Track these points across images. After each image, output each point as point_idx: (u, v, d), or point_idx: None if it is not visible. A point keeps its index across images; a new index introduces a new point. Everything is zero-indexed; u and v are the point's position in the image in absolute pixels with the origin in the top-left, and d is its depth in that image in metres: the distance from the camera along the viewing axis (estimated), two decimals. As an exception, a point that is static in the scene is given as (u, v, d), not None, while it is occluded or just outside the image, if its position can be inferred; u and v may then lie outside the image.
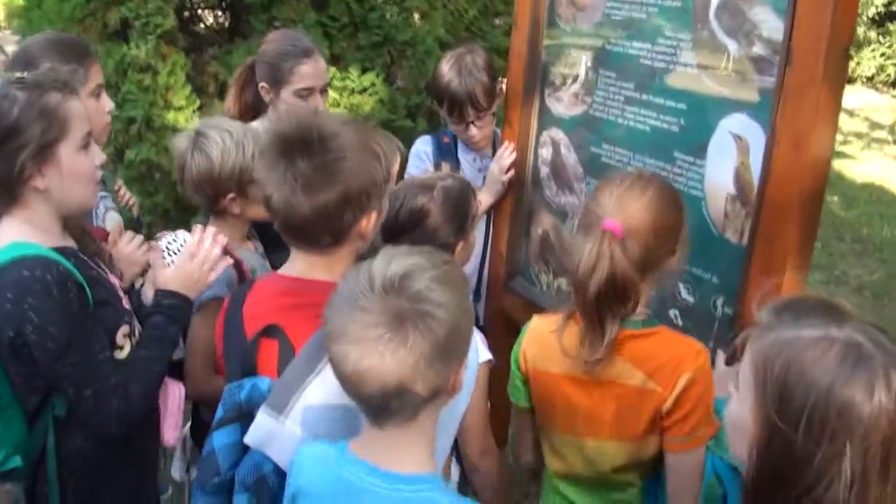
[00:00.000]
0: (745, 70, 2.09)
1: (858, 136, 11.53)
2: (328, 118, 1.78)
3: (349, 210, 1.71)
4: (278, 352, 1.72)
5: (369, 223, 1.77)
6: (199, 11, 5.38)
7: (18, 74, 1.93)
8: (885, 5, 16.09)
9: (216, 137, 2.43)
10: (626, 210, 1.77)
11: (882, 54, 16.24)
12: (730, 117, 2.13)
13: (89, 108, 2.24)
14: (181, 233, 2.29)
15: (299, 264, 1.81)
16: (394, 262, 1.41)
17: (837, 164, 9.56)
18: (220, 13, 5.35)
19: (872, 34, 16.26)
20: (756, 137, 2.04)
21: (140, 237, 2.37)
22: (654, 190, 1.83)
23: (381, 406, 1.37)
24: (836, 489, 1.17)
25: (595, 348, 1.79)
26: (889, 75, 16.24)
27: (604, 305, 1.76)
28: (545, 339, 1.93)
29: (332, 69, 4.72)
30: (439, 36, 5.38)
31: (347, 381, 1.37)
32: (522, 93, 2.85)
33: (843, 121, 12.18)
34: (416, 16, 5.28)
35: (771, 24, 2.00)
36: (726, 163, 2.14)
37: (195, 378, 2.35)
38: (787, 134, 1.91)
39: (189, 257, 2.12)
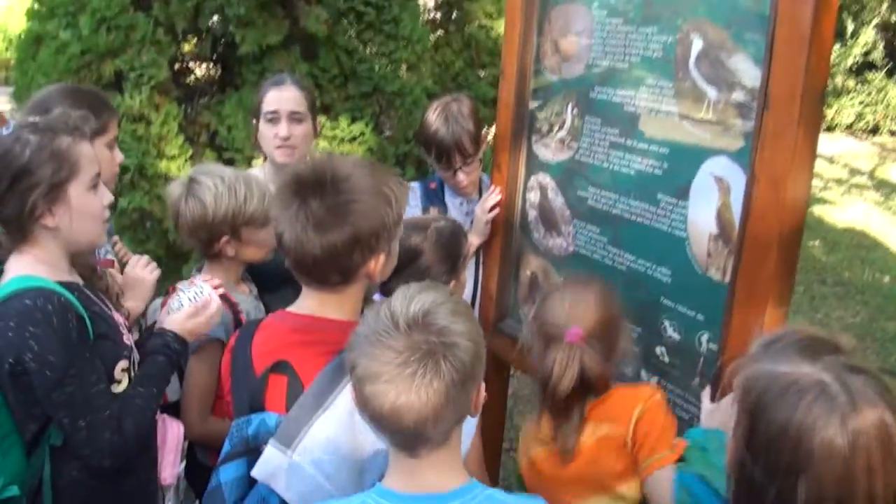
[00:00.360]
0: (725, 115, 2.18)
1: (839, 182, 11.73)
2: (342, 161, 1.85)
3: (358, 251, 1.77)
4: (287, 388, 1.77)
5: (377, 264, 1.83)
6: (191, 63, 5.47)
7: (31, 119, 2.02)
8: (862, 55, 16.40)
9: (209, 183, 2.51)
10: (579, 316, 1.99)
11: (860, 102, 16.52)
12: (711, 160, 2.22)
13: (103, 158, 2.34)
14: (198, 280, 2.35)
15: (310, 302, 1.87)
16: (413, 300, 1.48)
17: (818, 210, 9.72)
18: (211, 65, 5.45)
19: (851, 83, 16.55)
20: (737, 179, 2.13)
21: (146, 258, 2.48)
22: (595, 290, 2.09)
23: (416, 437, 1.43)
24: None
25: (567, 436, 2.02)
26: (868, 122, 16.50)
27: (573, 400, 1.98)
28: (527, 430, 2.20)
29: (323, 118, 4.81)
30: (427, 87, 5.50)
31: (384, 419, 1.42)
32: (511, 139, 2.94)
33: (824, 167, 12.40)
34: (404, 67, 5.39)
35: (749, 73, 2.10)
36: (709, 204, 2.23)
37: (192, 419, 2.40)
38: (766, 175, 1.99)
39: (197, 310, 2.20)
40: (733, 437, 1.34)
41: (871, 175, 12.32)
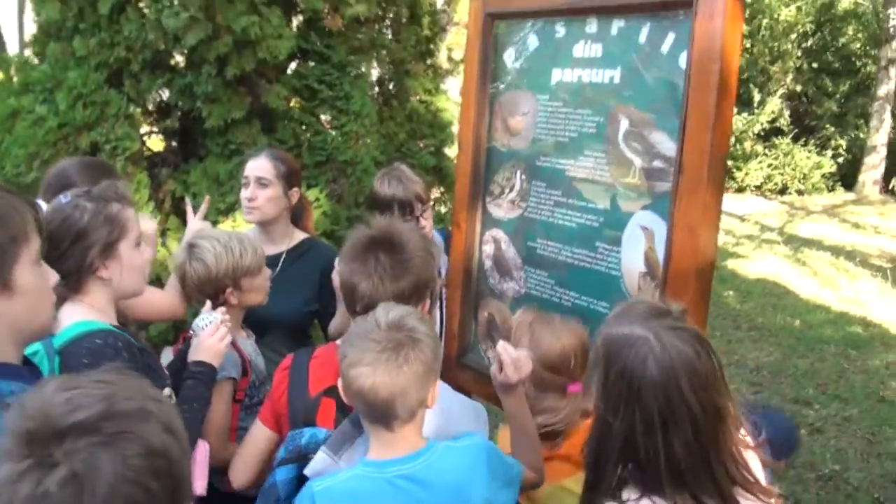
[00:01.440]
0: (648, 178, 2.72)
1: (750, 238, 12.50)
2: (402, 226, 2.40)
3: (415, 297, 2.27)
4: (335, 408, 2.23)
5: (425, 308, 2.33)
6: (156, 136, 5.87)
7: (85, 189, 2.44)
8: (769, 122, 17.41)
9: (207, 245, 2.90)
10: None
11: (769, 165, 17.51)
12: (638, 214, 2.75)
13: None
14: (206, 314, 2.74)
15: None
16: (391, 310, 1.98)
17: (732, 264, 10.43)
18: (174, 138, 5.85)
19: (759, 148, 17.53)
20: (659, 228, 2.66)
21: (223, 329, 2.67)
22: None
23: (387, 411, 1.89)
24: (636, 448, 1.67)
25: None
26: (776, 184, 17.49)
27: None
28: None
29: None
30: (375, 156, 5.97)
31: (364, 394, 1.88)
32: (468, 201, 3.43)
33: (736, 225, 13.21)
34: (355, 139, 5.86)
35: (666, 145, 2.64)
36: (637, 248, 2.75)
37: (213, 448, 2.78)
38: (683, 224, 2.52)
39: (209, 334, 2.61)
40: (594, 387, 1.80)
41: (781, 231, 13.13)
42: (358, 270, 2.27)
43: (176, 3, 4.96)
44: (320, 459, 2.05)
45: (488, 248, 3.42)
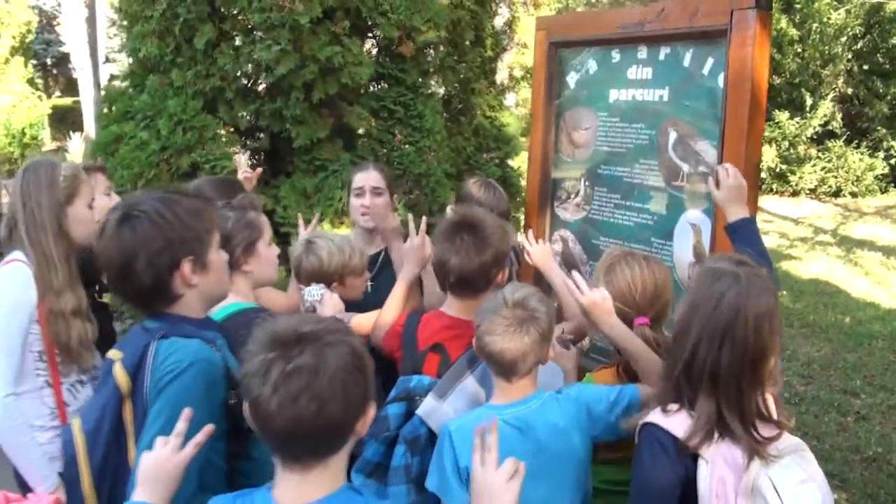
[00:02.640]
0: (694, 181, 3.21)
1: (804, 240, 12.75)
2: (479, 210, 2.94)
3: (495, 267, 2.78)
4: (439, 362, 2.76)
5: (503, 276, 2.84)
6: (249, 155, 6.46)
7: (226, 201, 2.97)
8: (822, 126, 17.54)
9: (322, 244, 3.36)
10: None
11: (823, 168, 17.59)
12: (687, 212, 3.25)
13: None
14: (314, 287, 3.24)
15: (456, 306, 2.86)
16: (516, 292, 2.44)
17: (785, 265, 10.74)
18: (264, 156, 6.43)
19: (812, 151, 17.62)
20: (705, 224, 3.14)
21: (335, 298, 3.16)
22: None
23: (511, 369, 2.37)
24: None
25: None
26: (830, 186, 17.56)
27: None
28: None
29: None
30: (445, 169, 6.50)
31: (494, 356, 2.36)
32: (538, 206, 3.94)
33: (790, 228, 13.48)
34: (427, 153, 6.38)
35: (709, 152, 3.13)
36: (686, 242, 3.24)
37: None
38: (724, 221, 3.00)
39: (329, 308, 3.04)
40: (680, 308, 2.20)
41: (834, 233, 13.35)
42: (447, 249, 2.76)
43: (267, 37, 5.52)
44: (428, 402, 2.56)
45: (557, 247, 3.92)
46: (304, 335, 1.67)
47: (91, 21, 13.43)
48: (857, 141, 17.91)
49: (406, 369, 2.82)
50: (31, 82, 25.08)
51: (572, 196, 3.82)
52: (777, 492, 1.96)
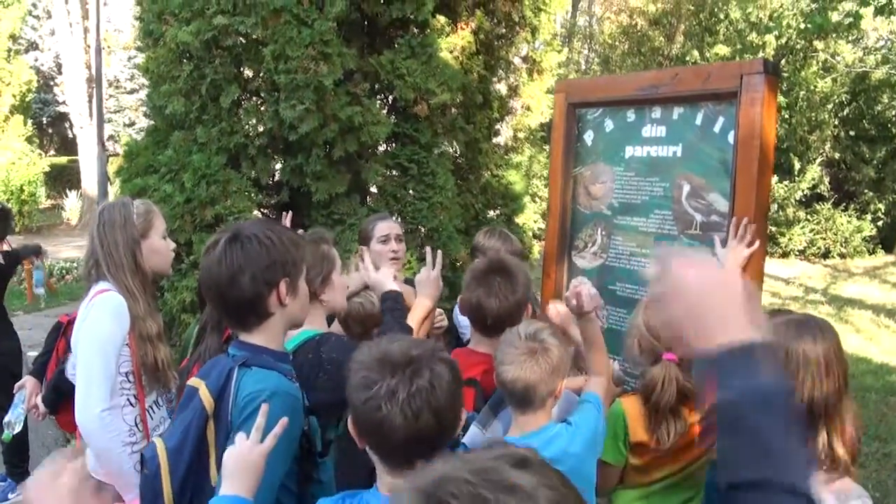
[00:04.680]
0: (706, 229, 3.48)
1: (795, 299, 13.04)
2: (504, 256, 3.21)
3: (518, 312, 3.02)
4: (474, 395, 2.97)
5: (528, 312, 3.09)
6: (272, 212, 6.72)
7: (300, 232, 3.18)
8: (810, 189, 17.97)
9: (367, 295, 3.60)
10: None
11: (811, 230, 17.99)
12: (700, 258, 3.50)
13: None
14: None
15: (486, 343, 3.09)
16: (529, 326, 2.67)
17: (779, 323, 10.98)
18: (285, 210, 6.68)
19: (801, 214, 18.03)
20: (717, 269, 3.40)
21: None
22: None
23: (524, 399, 2.57)
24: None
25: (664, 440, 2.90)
26: (819, 248, 17.94)
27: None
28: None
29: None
30: (456, 224, 6.79)
31: (506, 384, 2.57)
32: (556, 255, 4.20)
33: (781, 288, 13.77)
34: (439, 209, 6.67)
35: (720, 202, 3.40)
36: (700, 286, 3.49)
37: None
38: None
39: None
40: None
41: (825, 292, 13.66)
42: (484, 293, 3.02)
43: (292, 97, 5.82)
44: (473, 431, 2.79)
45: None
46: (414, 357, 1.92)
47: (97, 81, 13.74)
48: (844, 204, 18.37)
49: None
50: (29, 140, 25.43)
51: (589, 245, 4.09)
52: None
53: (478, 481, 1.06)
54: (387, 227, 4.23)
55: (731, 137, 3.35)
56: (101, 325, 3.09)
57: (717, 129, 3.46)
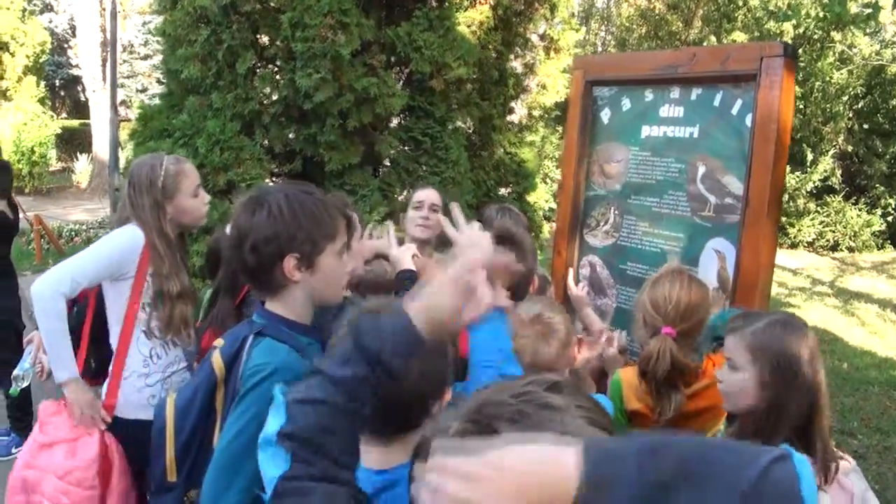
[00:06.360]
0: (720, 211, 3.48)
1: (802, 290, 13.01)
2: (512, 224, 3.16)
3: (527, 282, 3.01)
4: None
5: (534, 286, 3.09)
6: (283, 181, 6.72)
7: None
8: (821, 181, 17.90)
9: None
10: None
11: (821, 222, 17.93)
12: (713, 240, 3.51)
13: None
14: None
15: None
16: (531, 308, 2.70)
17: (784, 313, 10.97)
18: (297, 179, 6.69)
19: (811, 205, 17.97)
20: (730, 251, 3.41)
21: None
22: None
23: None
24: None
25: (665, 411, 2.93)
26: (828, 240, 17.89)
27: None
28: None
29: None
30: (467, 200, 6.79)
31: (527, 370, 2.59)
32: (568, 232, 4.21)
33: (788, 278, 13.74)
34: (451, 184, 6.66)
35: (734, 185, 3.40)
36: (711, 268, 3.50)
37: None
38: (749, 247, 3.26)
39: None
40: (756, 378, 2.31)
41: (832, 284, 13.63)
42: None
43: (309, 65, 5.81)
44: None
45: (585, 271, 4.18)
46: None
47: (111, 45, 13.70)
48: (855, 197, 18.28)
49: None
50: (42, 102, 25.41)
51: (601, 223, 4.09)
52: None
53: (517, 402, 1.17)
54: (424, 194, 4.20)
55: (748, 120, 3.34)
56: (113, 241, 3.17)
57: (734, 111, 3.45)
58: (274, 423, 1.45)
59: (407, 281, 3.10)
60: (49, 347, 3.07)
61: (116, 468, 3.13)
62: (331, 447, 1.44)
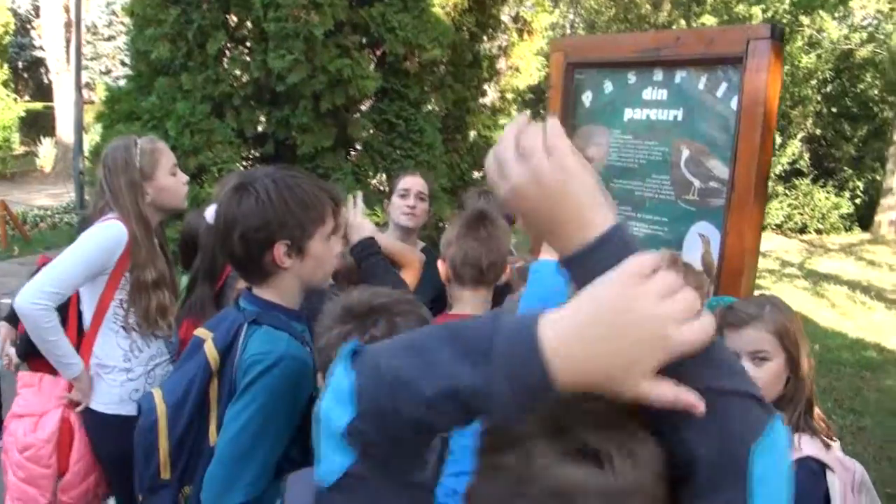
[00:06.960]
0: (705, 195, 3.43)
1: (771, 272, 13.13)
2: (492, 208, 3.07)
3: (504, 263, 2.94)
4: None
5: (507, 274, 3.02)
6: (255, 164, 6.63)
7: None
8: (790, 164, 18.05)
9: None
10: None
11: (789, 205, 18.11)
12: (697, 224, 3.47)
13: None
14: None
15: (471, 303, 2.89)
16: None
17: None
18: (269, 163, 6.59)
19: (780, 188, 18.14)
20: (714, 235, 3.37)
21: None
22: None
23: None
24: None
25: None
26: (796, 223, 18.07)
27: None
28: None
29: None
30: (442, 183, 6.73)
31: None
32: (548, 216, 4.14)
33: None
34: (426, 167, 6.61)
35: (719, 169, 3.36)
36: (695, 251, 3.46)
37: None
38: (735, 231, 3.22)
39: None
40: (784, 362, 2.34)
41: (801, 266, 13.75)
42: (473, 242, 2.84)
43: (282, 46, 5.71)
44: None
45: (565, 255, 4.13)
46: (376, 307, 1.82)
47: (76, 25, 13.46)
48: (823, 180, 18.45)
49: None
50: (5, 84, 24.97)
51: (583, 208, 4.03)
52: None
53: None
54: (410, 181, 4.09)
55: (733, 104, 3.29)
56: (96, 240, 3.04)
57: (719, 94, 3.40)
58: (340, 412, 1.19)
59: (359, 247, 3.03)
60: (50, 356, 3.00)
61: (76, 451, 3.09)
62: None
